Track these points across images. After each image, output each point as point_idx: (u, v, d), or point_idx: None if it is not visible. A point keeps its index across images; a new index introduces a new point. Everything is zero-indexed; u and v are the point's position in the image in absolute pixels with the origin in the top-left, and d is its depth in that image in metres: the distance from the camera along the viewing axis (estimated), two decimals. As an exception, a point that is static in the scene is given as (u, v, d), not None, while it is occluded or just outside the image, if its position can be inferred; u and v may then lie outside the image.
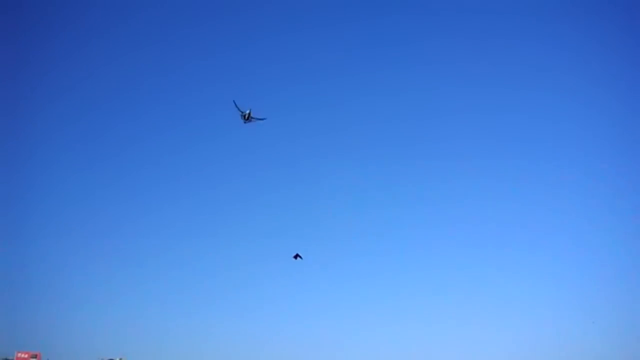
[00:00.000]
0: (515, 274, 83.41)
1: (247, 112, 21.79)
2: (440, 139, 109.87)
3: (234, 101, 22.23)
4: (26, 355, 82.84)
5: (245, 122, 22.23)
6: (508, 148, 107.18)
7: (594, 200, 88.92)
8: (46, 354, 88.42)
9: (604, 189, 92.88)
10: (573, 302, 70.62)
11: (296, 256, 30.88)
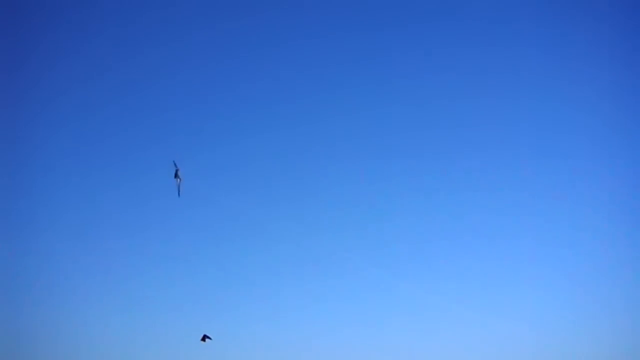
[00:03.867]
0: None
1: (177, 170, 19.38)
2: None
3: (173, 161, 19.45)
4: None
5: (175, 179, 19.67)
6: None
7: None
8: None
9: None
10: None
11: (204, 338, 30.36)
